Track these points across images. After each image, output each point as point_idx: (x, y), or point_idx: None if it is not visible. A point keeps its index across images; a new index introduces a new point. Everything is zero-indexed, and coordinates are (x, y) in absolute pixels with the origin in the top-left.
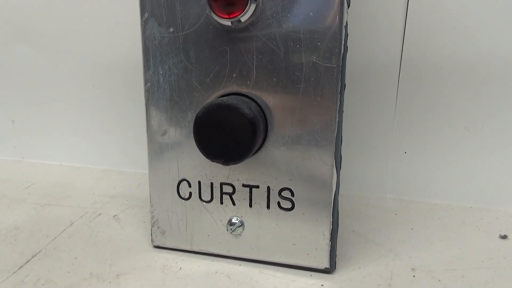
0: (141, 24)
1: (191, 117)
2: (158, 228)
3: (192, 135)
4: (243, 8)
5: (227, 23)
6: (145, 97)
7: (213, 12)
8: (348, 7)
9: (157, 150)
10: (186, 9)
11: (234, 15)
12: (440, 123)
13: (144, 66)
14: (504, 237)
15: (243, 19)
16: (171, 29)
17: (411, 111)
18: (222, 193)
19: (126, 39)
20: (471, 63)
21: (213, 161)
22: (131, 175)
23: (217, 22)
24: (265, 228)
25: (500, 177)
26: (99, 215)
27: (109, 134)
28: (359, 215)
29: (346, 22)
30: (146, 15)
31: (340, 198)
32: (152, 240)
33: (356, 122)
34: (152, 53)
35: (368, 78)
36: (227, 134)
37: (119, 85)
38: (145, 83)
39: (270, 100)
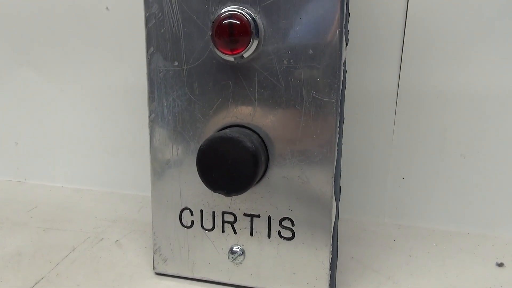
0: (147, 58)
1: (194, 147)
2: (160, 255)
3: (195, 165)
4: (246, 45)
5: (230, 58)
6: (149, 127)
7: (217, 48)
8: (347, 45)
9: (160, 179)
10: (190, 44)
11: (237, 51)
12: (437, 150)
13: (149, 98)
14: (500, 265)
15: (245, 55)
16: (176, 63)
17: (409, 138)
18: (223, 221)
19: (130, 65)
20: (466, 92)
21: (215, 192)
22: (133, 198)
23: (220, 57)
24: (266, 256)
25: (495, 203)
26: (101, 240)
27: (110, 156)
28: (358, 240)
29: (345, 59)
30: (152, 49)
31: (339, 222)
32: (153, 267)
33: (355, 148)
34: (157, 85)
35: (367, 105)
36: (230, 166)
37: (121, 109)
38: (150, 114)
39: (271, 132)
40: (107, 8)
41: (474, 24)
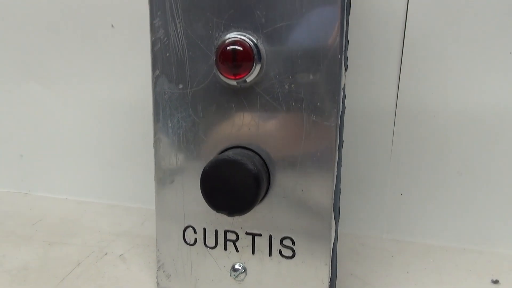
0: (152, 80)
1: (198, 167)
2: (163, 271)
3: (198, 185)
4: (248, 70)
5: (233, 83)
6: (154, 147)
7: (220, 73)
8: (346, 71)
9: (164, 197)
10: (195, 68)
11: (240, 76)
12: (434, 167)
13: (154, 119)
14: (496, 282)
15: (248, 79)
16: (181, 86)
17: (407, 155)
18: (226, 240)
19: (134, 80)
20: (462, 112)
21: (218, 212)
22: (136, 211)
23: (224, 81)
24: (267, 274)
25: (491, 220)
26: (105, 254)
27: (114, 169)
28: (357, 256)
29: (344, 84)
30: (157, 72)
31: (338, 236)
32: (157, 283)
33: (354, 164)
34: (162, 107)
35: (366, 124)
36: (232, 188)
37: (125, 122)
38: (155, 134)
39: (273, 153)
40: (112, 25)
41: (470, 46)
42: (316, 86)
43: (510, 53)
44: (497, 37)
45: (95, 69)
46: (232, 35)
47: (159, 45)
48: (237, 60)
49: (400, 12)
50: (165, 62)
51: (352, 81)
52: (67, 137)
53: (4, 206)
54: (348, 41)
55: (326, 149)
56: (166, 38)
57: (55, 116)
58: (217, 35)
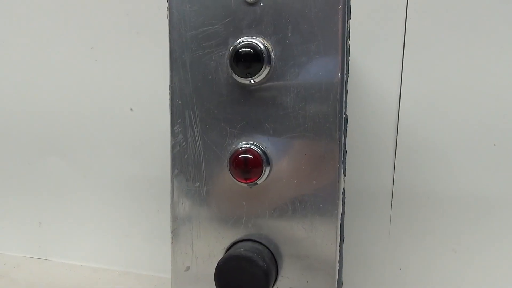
0: (171, 179)
1: (213, 257)
2: None
3: (213, 277)
4: (258, 175)
5: (245, 184)
6: (171, 237)
7: (233, 177)
8: (345, 177)
9: (180, 284)
10: (210, 169)
11: (251, 180)
12: (430, 245)
13: (172, 215)
14: None
15: (259, 182)
16: (197, 184)
17: (404, 233)
18: None
19: (149, 159)
20: (455, 194)
21: None
22: (148, 278)
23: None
24: None
25: None
26: None
27: (127, 238)
28: None
29: (343, 189)
30: (176, 171)
31: None
32: None
33: (354, 241)
34: (179, 203)
35: (364, 203)
36: (244, 282)
37: (140, 195)
38: (172, 229)
39: (280, 248)
40: (131, 109)
41: (461, 132)
42: (318, 191)
43: (494, 144)
44: (482, 129)
45: (114, 148)
46: (243, 144)
47: (178, 148)
48: (248, 166)
49: (393, 98)
50: (183, 163)
51: (349, 163)
52: (83, 206)
53: (22, 273)
54: (346, 151)
55: (328, 245)
56: (184, 143)
57: (73, 187)
58: (230, 142)
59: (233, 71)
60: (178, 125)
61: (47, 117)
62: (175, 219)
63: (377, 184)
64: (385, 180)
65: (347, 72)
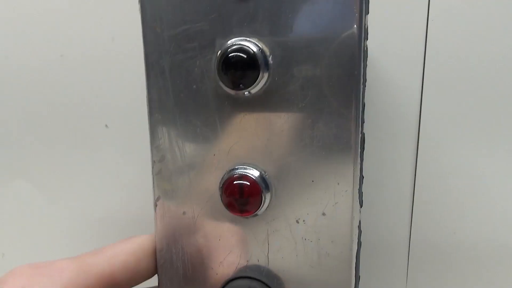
0: (154, 205)
1: None
2: None
3: None
4: (258, 205)
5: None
6: (158, 274)
7: (227, 208)
8: (361, 207)
9: None
10: (198, 196)
11: (248, 213)
12: None
13: (158, 245)
14: None
15: (259, 213)
16: (184, 212)
17: (422, 283)
18: None
19: (126, 179)
20: (474, 247)
21: None
22: None
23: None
24: None
25: None
26: None
27: None
28: None
29: (360, 221)
30: (159, 196)
31: None
32: None
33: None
34: (165, 233)
35: (379, 253)
36: None
37: (119, 234)
38: (159, 261)
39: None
40: (106, 125)
41: (478, 184)
42: (327, 225)
43: None
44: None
45: (88, 173)
46: (237, 168)
47: (161, 170)
48: (243, 195)
49: (410, 152)
50: (167, 187)
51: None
52: (52, 238)
53: None
54: (363, 177)
55: (342, 286)
56: (167, 164)
57: (41, 216)
58: (221, 165)
59: (222, 81)
60: (159, 144)
61: (12, 135)
62: (161, 254)
63: (393, 234)
64: (401, 230)
65: (364, 81)
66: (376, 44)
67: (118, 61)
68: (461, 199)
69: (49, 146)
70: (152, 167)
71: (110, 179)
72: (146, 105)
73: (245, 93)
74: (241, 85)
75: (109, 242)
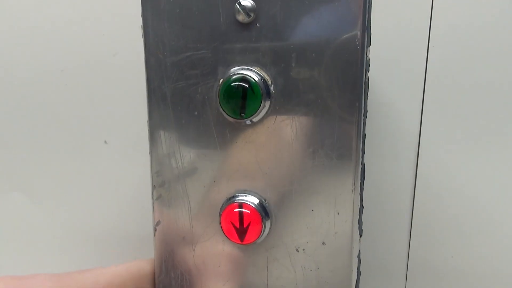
0: (154, 230)
1: None
2: None
3: None
4: (258, 233)
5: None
6: None
7: (226, 236)
8: (361, 236)
9: None
10: (199, 223)
11: (248, 242)
12: None
13: (156, 271)
14: None
15: (259, 241)
16: (184, 238)
17: None
18: None
19: (125, 199)
20: (472, 273)
21: None
22: None
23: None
24: None
25: None
26: None
27: None
28: None
29: (359, 251)
30: (159, 222)
31: None
32: None
33: None
34: (164, 258)
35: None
36: None
37: (116, 250)
38: (157, 286)
39: None
40: (105, 141)
41: (478, 208)
42: (327, 255)
43: None
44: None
45: (86, 187)
46: (237, 195)
47: (161, 197)
48: (243, 224)
49: (409, 175)
50: (167, 213)
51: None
52: (45, 252)
53: None
54: (363, 207)
55: None
56: (168, 191)
57: (36, 229)
58: (221, 193)
59: (224, 110)
60: (159, 169)
61: (9, 149)
62: (160, 278)
63: (391, 259)
64: (399, 255)
65: (366, 112)
66: (378, 71)
67: (120, 77)
68: (460, 223)
69: (47, 161)
70: (152, 192)
71: (110, 194)
72: (146, 123)
73: (247, 121)
74: (242, 114)
75: (105, 258)
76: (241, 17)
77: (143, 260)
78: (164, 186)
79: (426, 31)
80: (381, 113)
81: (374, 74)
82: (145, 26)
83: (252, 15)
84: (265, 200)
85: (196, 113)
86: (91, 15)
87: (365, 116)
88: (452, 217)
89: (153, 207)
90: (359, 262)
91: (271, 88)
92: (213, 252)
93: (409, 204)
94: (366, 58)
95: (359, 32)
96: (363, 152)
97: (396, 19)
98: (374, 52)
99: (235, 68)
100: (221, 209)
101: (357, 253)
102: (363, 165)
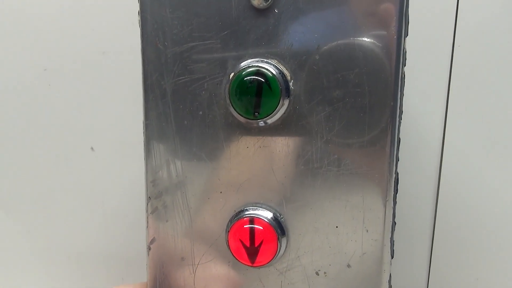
0: (147, 248)
1: None
2: None
3: None
4: (273, 253)
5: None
6: None
7: (234, 257)
8: (392, 258)
9: None
10: (200, 240)
11: (261, 263)
12: None
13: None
14: None
15: (274, 262)
16: (182, 258)
17: None
18: None
19: (112, 213)
20: None
21: None
22: None
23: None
24: None
25: None
26: None
27: None
28: None
29: (390, 275)
30: (153, 239)
31: None
32: None
33: None
34: (158, 276)
35: None
36: None
37: (99, 272)
38: None
39: None
40: (92, 148)
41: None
42: (353, 279)
43: None
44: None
45: (70, 200)
46: (248, 210)
47: (157, 210)
48: (254, 243)
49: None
50: (163, 229)
51: None
52: (27, 272)
53: None
54: (395, 223)
55: None
56: (165, 203)
57: (17, 247)
58: (228, 206)
59: (234, 108)
60: (155, 178)
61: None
62: None
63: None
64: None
65: (401, 113)
66: None
67: (109, 77)
68: (485, 243)
69: (26, 171)
70: (147, 205)
71: (95, 208)
72: (140, 125)
73: (260, 123)
74: (256, 114)
75: (87, 279)
76: (256, 2)
77: (132, 285)
78: (161, 197)
79: (451, 29)
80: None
81: None
82: (142, 12)
83: None
84: (280, 214)
85: (200, 113)
86: (78, 6)
87: (401, 118)
88: (477, 236)
89: (147, 222)
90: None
91: (291, 84)
92: (218, 275)
93: (431, 221)
94: (403, 50)
95: (395, 19)
96: (397, 160)
97: (420, 17)
98: None
99: (249, 60)
100: (228, 224)
101: (388, 278)
102: (397, 174)
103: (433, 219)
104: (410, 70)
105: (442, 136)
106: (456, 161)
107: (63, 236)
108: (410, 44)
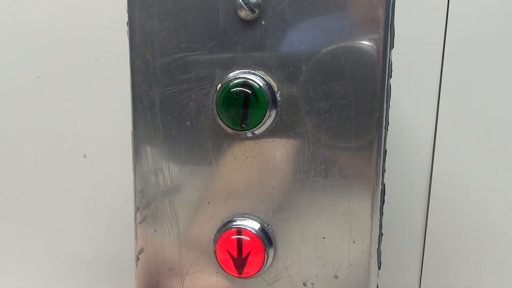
0: (135, 258)
1: None
2: None
3: None
4: (260, 265)
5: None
6: None
7: (222, 268)
8: (379, 269)
9: None
10: (188, 250)
11: (248, 274)
12: None
13: None
14: None
15: (262, 273)
16: (171, 268)
17: None
18: None
19: (104, 220)
20: None
21: None
22: None
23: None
24: None
25: None
26: None
27: None
28: None
29: (377, 285)
30: (142, 249)
31: None
32: None
33: None
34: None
35: None
36: None
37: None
38: None
39: None
40: (84, 156)
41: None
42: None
43: None
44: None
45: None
46: (235, 221)
47: (145, 220)
48: (242, 254)
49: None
50: (151, 240)
51: None
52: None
53: None
54: (382, 234)
55: None
56: (154, 213)
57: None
58: (216, 217)
59: (222, 119)
60: (144, 188)
61: None
62: None
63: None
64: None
65: (387, 124)
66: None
67: (102, 85)
68: (476, 252)
69: (18, 178)
70: (135, 215)
71: (87, 215)
72: (130, 134)
73: (248, 133)
74: (243, 125)
75: (82, 285)
76: (244, 13)
77: None
78: (149, 207)
79: (441, 39)
80: (394, 123)
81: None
82: (131, 23)
83: (257, 11)
84: (268, 225)
85: (188, 123)
86: (71, 14)
87: (387, 129)
88: (469, 245)
89: (135, 232)
90: None
91: (277, 95)
92: (206, 286)
93: (421, 230)
94: (389, 61)
95: (381, 31)
96: (384, 170)
97: (411, 26)
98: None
99: (236, 71)
100: (216, 235)
101: (375, 286)
102: (383, 185)
103: (424, 228)
104: (402, 80)
105: (432, 144)
106: (447, 169)
107: (56, 243)
108: (401, 54)
